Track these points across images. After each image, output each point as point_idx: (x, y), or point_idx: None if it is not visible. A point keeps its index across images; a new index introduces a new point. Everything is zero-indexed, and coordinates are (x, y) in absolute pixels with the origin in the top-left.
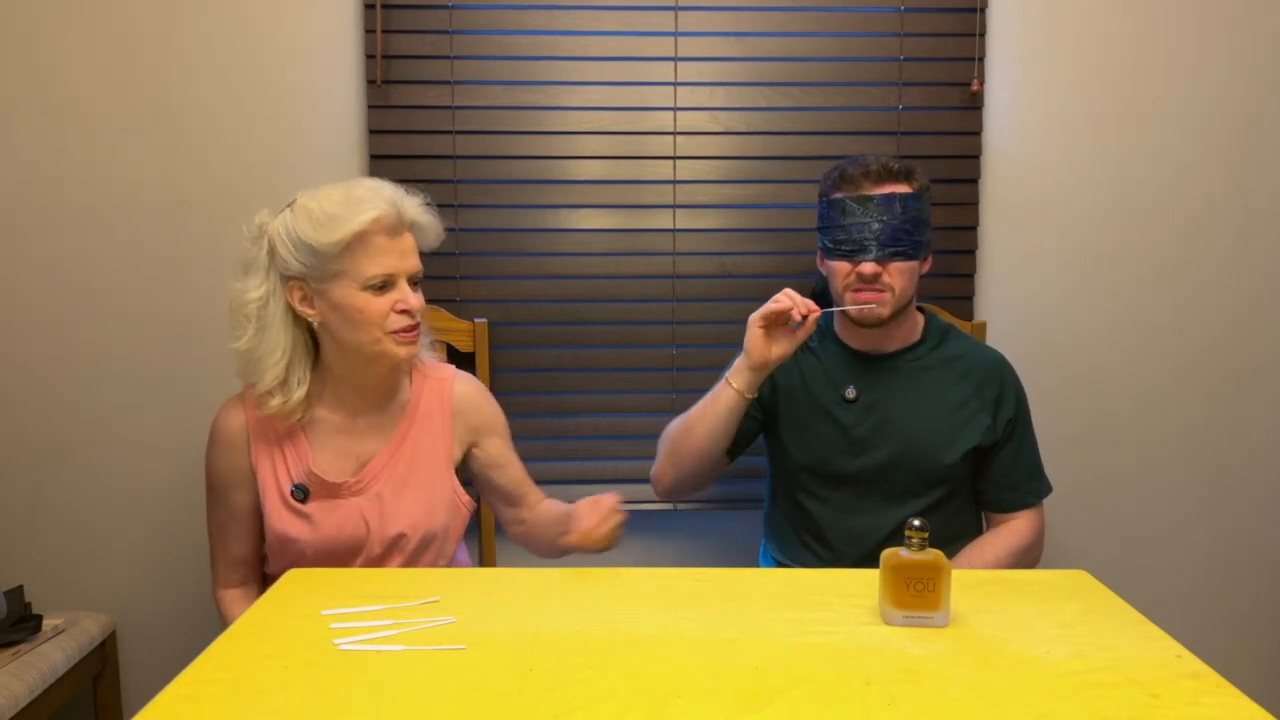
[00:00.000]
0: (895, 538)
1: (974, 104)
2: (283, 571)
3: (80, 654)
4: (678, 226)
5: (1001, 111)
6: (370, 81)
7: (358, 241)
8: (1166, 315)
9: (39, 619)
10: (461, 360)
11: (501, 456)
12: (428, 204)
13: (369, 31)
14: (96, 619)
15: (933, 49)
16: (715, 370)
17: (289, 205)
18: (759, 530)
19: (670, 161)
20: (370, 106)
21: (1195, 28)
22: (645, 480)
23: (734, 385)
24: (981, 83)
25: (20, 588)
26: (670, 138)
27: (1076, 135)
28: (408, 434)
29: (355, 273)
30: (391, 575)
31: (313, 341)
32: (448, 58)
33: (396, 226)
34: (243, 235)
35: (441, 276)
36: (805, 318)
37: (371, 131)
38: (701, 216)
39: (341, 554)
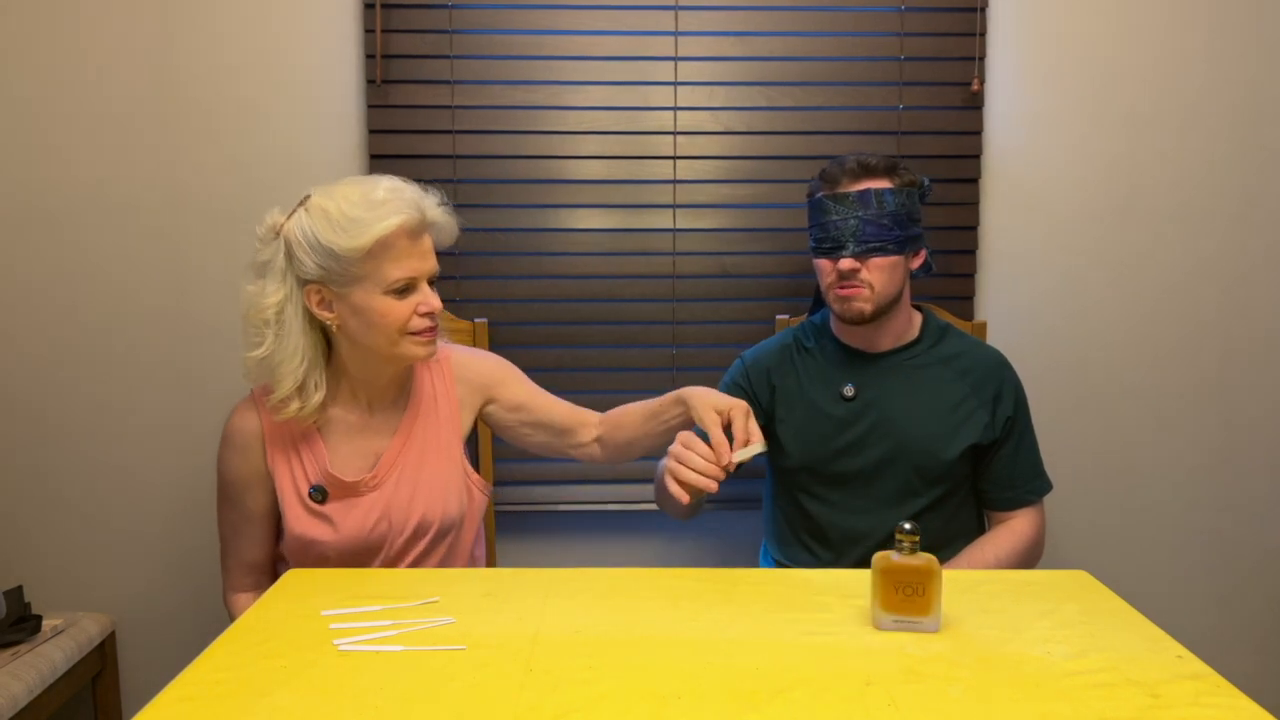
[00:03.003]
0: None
1: (974, 104)
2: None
3: (80, 654)
4: (678, 226)
5: (1001, 111)
6: (370, 81)
7: (380, 246)
8: (1166, 314)
9: (39, 619)
10: None
11: (522, 395)
12: (443, 202)
13: (369, 31)
14: (96, 619)
15: (933, 49)
16: (715, 370)
17: (302, 204)
18: (759, 530)
19: (670, 161)
20: (370, 106)
21: (1195, 28)
22: (645, 480)
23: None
24: (981, 82)
25: (20, 588)
26: (670, 138)
27: (1077, 135)
28: (415, 422)
29: (378, 277)
30: (391, 575)
31: (324, 341)
32: (448, 57)
33: (418, 229)
34: (255, 237)
35: (441, 276)
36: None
37: (371, 131)
38: (701, 216)
39: (363, 552)
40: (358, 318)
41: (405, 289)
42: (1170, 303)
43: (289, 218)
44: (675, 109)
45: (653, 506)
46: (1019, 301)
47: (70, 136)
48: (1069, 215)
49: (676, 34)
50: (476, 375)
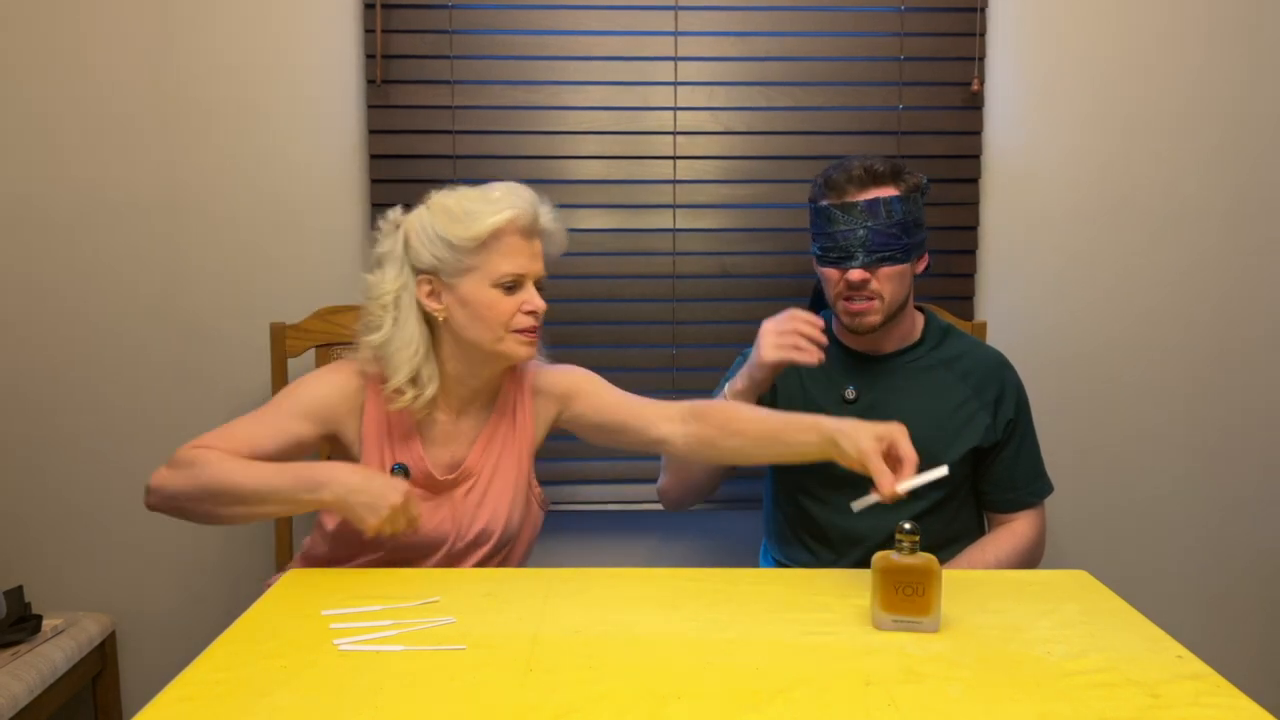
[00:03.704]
0: None
1: (974, 104)
2: (349, 559)
3: (80, 654)
4: (678, 226)
5: (1001, 111)
6: (370, 81)
7: (493, 238)
8: (1166, 314)
9: (39, 619)
10: None
11: (599, 403)
12: (557, 216)
13: (369, 31)
14: (96, 619)
15: (933, 49)
16: (715, 370)
17: (424, 203)
18: (759, 530)
19: (670, 161)
20: (370, 106)
21: (1195, 27)
22: (645, 480)
23: (734, 395)
24: (981, 83)
25: (20, 588)
26: (670, 138)
27: (1077, 135)
28: (495, 432)
29: (488, 269)
30: (391, 575)
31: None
32: (448, 58)
33: (531, 229)
34: (379, 230)
35: None
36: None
37: (371, 131)
38: (701, 216)
39: (422, 548)
40: (465, 309)
41: (513, 285)
42: (1169, 302)
43: (411, 211)
44: (675, 109)
45: (654, 506)
46: (1019, 301)
47: (70, 137)
48: (1069, 215)
49: (676, 34)
50: (553, 387)
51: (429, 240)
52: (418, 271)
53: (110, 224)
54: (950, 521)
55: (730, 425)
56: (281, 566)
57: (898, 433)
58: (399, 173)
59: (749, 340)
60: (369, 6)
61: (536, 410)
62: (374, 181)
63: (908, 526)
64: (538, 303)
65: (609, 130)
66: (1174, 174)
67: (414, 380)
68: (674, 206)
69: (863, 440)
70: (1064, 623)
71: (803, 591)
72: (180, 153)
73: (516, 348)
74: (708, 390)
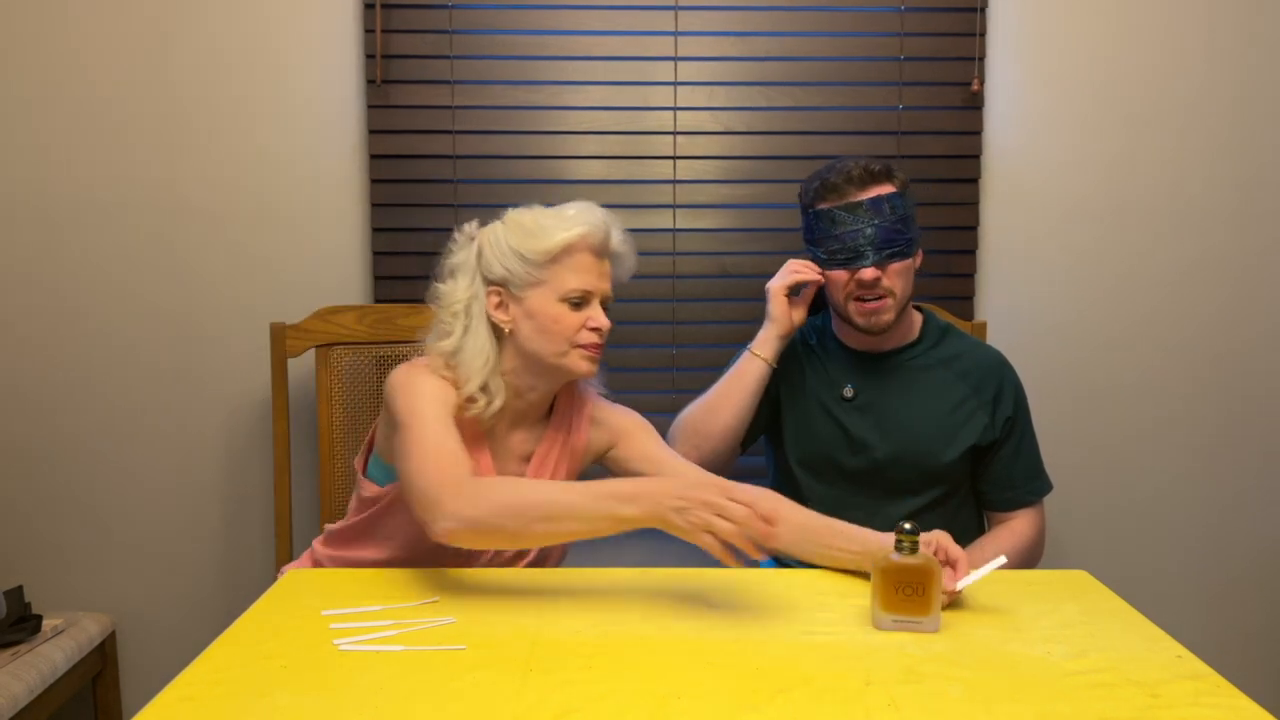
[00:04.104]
0: None
1: (974, 104)
2: (390, 559)
3: (80, 654)
4: (678, 226)
5: (1001, 111)
6: (370, 81)
7: (564, 253)
8: (1166, 314)
9: (39, 619)
10: None
11: (648, 451)
12: (628, 240)
13: (369, 31)
14: (96, 619)
15: (933, 49)
16: (715, 370)
17: (501, 218)
18: None
19: (670, 161)
20: (370, 106)
21: (1195, 27)
22: None
23: (762, 355)
24: (982, 82)
25: (20, 588)
26: (670, 138)
27: (1077, 135)
28: (552, 449)
29: (556, 283)
30: (391, 575)
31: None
32: (448, 57)
33: (602, 248)
34: (452, 241)
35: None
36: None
37: (371, 131)
38: (701, 216)
39: (453, 556)
40: (531, 321)
41: (579, 301)
42: (1169, 302)
43: (486, 225)
44: (675, 109)
45: None
46: (1019, 301)
47: (70, 137)
48: (1069, 215)
49: (676, 34)
50: (610, 422)
51: (501, 253)
52: (488, 283)
53: (110, 224)
54: (950, 520)
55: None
56: (282, 566)
57: (943, 538)
58: (399, 173)
59: (749, 339)
60: (369, 6)
61: (591, 439)
62: (374, 181)
63: (907, 527)
64: (603, 320)
65: (609, 130)
66: (1174, 173)
67: (484, 388)
68: (674, 206)
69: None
70: (1064, 623)
71: (803, 591)
72: (180, 153)
73: (579, 363)
74: (707, 389)
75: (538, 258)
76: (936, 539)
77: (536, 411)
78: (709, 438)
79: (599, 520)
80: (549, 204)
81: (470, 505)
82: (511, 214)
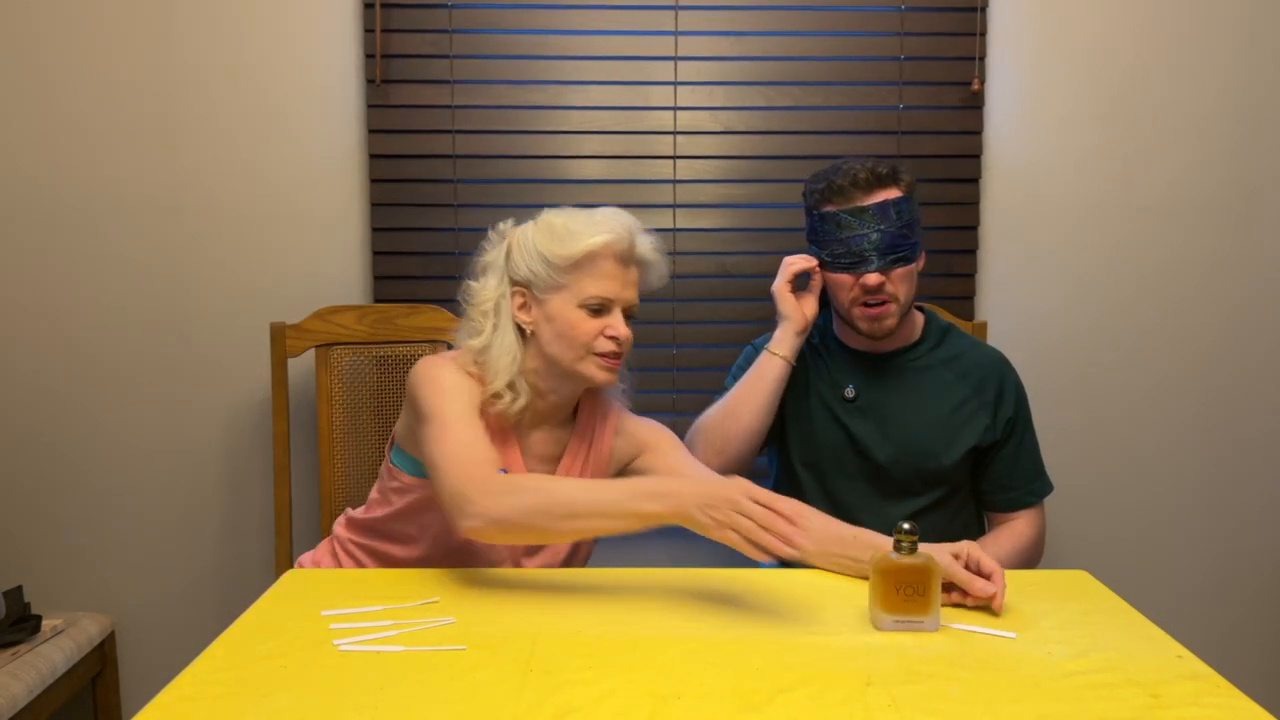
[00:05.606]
0: None
1: (974, 104)
2: (422, 558)
3: (79, 654)
4: (678, 226)
5: (1001, 111)
6: (370, 81)
7: (588, 259)
8: (1166, 314)
9: (38, 619)
10: None
11: (672, 464)
12: (659, 246)
13: (369, 31)
14: (96, 619)
15: (933, 48)
16: (715, 370)
17: (534, 219)
18: None
19: (670, 161)
20: (370, 106)
21: (1196, 27)
22: None
23: (780, 354)
24: (982, 82)
25: (19, 588)
26: (670, 137)
27: (1077, 135)
28: (576, 456)
29: (577, 288)
30: (391, 575)
31: None
32: (448, 57)
33: (627, 256)
34: (487, 240)
35: (442, 276)
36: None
37: (371, 131)
38: (701, 216)
39: (485, 551)
40: (550, 324)
41: (600, 309)
42: (1170, 301)
43: (519, 225)
44: (675, 109)
45: None
46: (1019, 301)
47: (70, 136)
48: (1069, 214)
49: (676, 34)
50: (636, 434)
51: (528, 254)
52: (514, 283)
53: (110, 223)
54: (951, 520)
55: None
56: (282, 566)
57: (971, 548)
58: (399, 173)
59: (749, 340)
60: (369, 6)
61: (615, 449)
62: (374, 181)
63: (907, 527)
64: (621, 329)
65: (609, 130)
66: (1175, 173)
67: (510, 386)
68: (674, 206)
69: (939, 559)
70: (1064, 623)
71: (803, 591)
72: (180, 152)
73: (596, 371)
74: (708, 390)
75: (560, 262)
76: (968, 551)
77: (559, 414)
78: (731, 440)
79: (625, 518)
80: (560, 205)
81: (497, 503)
82: (545, 215)
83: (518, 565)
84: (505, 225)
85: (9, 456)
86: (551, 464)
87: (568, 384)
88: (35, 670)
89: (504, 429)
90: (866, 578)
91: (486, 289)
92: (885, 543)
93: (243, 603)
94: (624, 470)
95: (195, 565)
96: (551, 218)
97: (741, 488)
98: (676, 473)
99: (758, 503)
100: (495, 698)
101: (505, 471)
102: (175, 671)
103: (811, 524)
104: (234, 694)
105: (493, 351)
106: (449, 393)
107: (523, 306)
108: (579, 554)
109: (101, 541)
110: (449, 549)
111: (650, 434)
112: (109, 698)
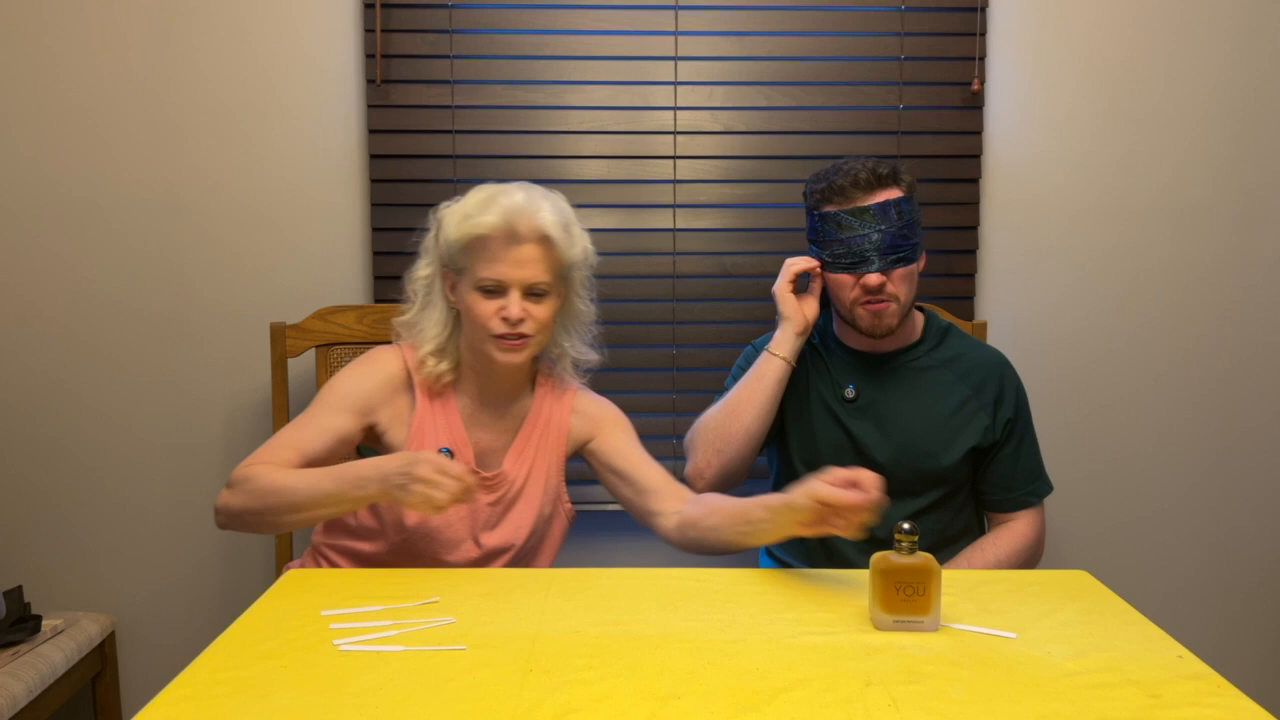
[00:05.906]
0: None
1: (974, 104)
2: (382, 552)
3: (79, 654)
4: (678, 226)
5: (1001, 111)
6: (370, 81)
7: (477, 243)
8: (1166, 314)
9: (38, 619)
10: None
11: (621, 446)
12: (565, 218)
13: (369, 31)
14: (96, 619)
15: (933, 48)
16: (715, 370)
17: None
18: None
19: (670, 161)
20: (370, 106)
21: (1196, 27)
22: None
23: (780, 354)
24: (982, 82)
25: (19, 588)
26: (670, 137)
27: (1077, 135)
28: (529, 440)
29: (471, 273)
30: (391, 575)
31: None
32: (448, 57)
33: (518, 235)
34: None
35: None
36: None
37: (371, 131)
38: (701, 216)
39: (442, 543)
40: (462, 306)
41: (493, 290)
42: (1170, 301)
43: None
44: (675, 109)
45: None
46: (1019, 301)
47: (70, 136)
48: (1069, 215)
49: (676, 34)
50: (590, 411)
51: (440, 236)
52: (442, 265)
53: (110, 224)
54: (951, 521)
55: (715, 505)
56: (283, 566)
57: (843, 470)
58: (399, 173)
59: (749, 340)
60: (369, 6)
61: (573, 428)
62: (374, 181)
63: (906, 527)
64: (513, 311)
65: (609, 130)
66: (1176, 173)
67: (440, 350)
68: (674, 206)
69: (809, 484)
70: (1064, 623)
71: (803, 591)
72: (179, 152)
73: (496, 353)
74: (708, 390)
75: (454, 246)
76: (836, 473)
77: (507, 387)
78: (731, 441)
79: (345, 503)
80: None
81: (233, 496)
82: (470, 193)
83: (476, 543)
84: (443, 206)
85: (10, 458)
86: (508, 437)
87: (489, 364)
88: (35, 670)
89: (443, 394)
90: (771, 543)
91: (419, 270)
92: (766, 499)
93: (243, 603)
94: (581, 450)
95: (195, 565)
96: (468, 196)
97: (432, 463)
98: (625, 457)
99: (446, 474)
100: (495, 698)
101: (449, 451)
102: (175, 671)
103: (720, 508)
104: (234, 694)
105: (422, 321)
106: (331, 389)
107: (451, 287)
108: (539, 559)
109: (102, 541)
110: (410, 535)
111: (604, 414)
112: (109, 698)
